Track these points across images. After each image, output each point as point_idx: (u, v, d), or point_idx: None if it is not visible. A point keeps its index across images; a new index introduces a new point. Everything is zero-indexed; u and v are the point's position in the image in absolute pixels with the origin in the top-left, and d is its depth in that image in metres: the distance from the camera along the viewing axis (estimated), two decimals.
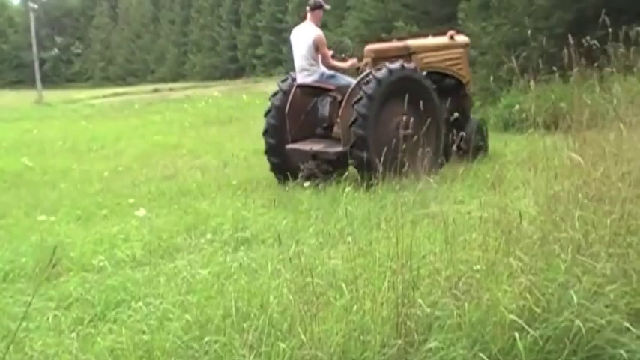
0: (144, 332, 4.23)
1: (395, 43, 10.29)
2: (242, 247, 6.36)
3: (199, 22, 60.46)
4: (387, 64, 9.07)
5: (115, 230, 7.34)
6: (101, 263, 6.03)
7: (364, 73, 9.25)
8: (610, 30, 6.09)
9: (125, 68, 69.14)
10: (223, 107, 25.77)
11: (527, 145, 5.59)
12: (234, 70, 54.92)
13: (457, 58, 10.36)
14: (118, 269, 5.95)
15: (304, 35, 9.56)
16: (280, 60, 49.84)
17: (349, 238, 4.73)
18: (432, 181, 5.32)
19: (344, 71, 9.70)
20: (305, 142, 9.74)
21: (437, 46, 10.30)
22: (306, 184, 8.81)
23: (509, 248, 4.23)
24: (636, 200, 4.45)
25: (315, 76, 9.45)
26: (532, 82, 5.25)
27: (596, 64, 6.24)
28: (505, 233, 4.33)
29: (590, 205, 4.47)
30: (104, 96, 44.01)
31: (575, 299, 3.72)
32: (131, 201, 9.25)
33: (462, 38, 10.71)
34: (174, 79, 58.43)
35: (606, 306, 3.80)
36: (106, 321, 4.77)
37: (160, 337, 4.06)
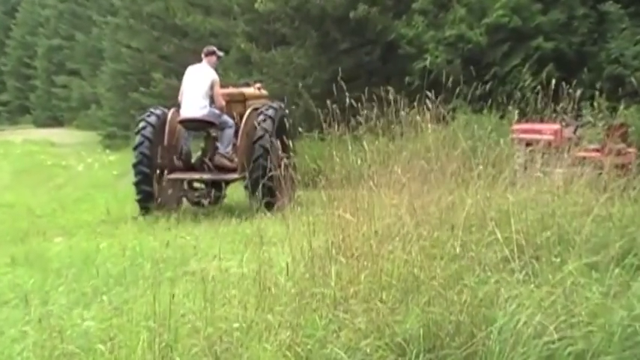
0: None
1: (234, 90, 11.79)
2: None
3: None
4: (269, 103, 11.02)
5: None
6: None
7: (254, 106, 10.96)
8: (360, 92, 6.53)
9: None
10: None
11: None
12: None
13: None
14: None
15: (203, 74, 10.77)
16: (27, 107, 47.68)
17: (104, 297, 4.58)
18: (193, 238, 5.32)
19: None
20: (185, 172, 10.78)
21: (256, 96, 11.75)
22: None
23: (269, 305, 4.32)
24: (387, 256, 4.72)
25: (206, 111, 10.54)
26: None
27: (350, 124, 6.62)
28: (264, 290, 4.42)
29: (346, 261, 4.68)
30: None
31: (334, 354, 3.86)
32: None
33: (264, 91, 12.21)
34: None
35: None
36: None
37: None
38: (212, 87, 10.70)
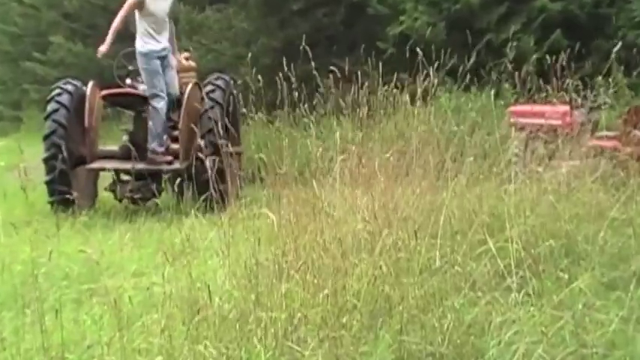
0: None
1: None
2: None
3: None
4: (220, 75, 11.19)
5: None
6: None
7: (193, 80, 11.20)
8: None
9: None
10: None
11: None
12: None
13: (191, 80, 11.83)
14: None
15: None
16: None
17: None
18: None
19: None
20: (106, 161, 10.86)
21: (187, 68, 11.91)
22: None
23: (201, 333, 4.30)
24: (352, 271, 4.73)
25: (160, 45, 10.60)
26: None
27: (306, 104, 6.63)
28: (196, 314, 4.40)
29: (300, 278, 4.68)
30: None
31: None
32: None
33: (192, 62, 12.36)
34: None
35: None
36: None
37: None
38: None
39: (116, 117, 15.57)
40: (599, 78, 9.47)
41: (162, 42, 10.63)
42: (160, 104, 10.54)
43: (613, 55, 7.40)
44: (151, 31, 10.55)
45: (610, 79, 9.59)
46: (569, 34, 13.21)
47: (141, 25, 10.55)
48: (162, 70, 10.63)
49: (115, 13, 10.76)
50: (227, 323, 4.42)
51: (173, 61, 10.99)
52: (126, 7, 10.57)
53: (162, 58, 10.64)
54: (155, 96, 10.55)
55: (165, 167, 10.52)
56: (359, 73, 6.66)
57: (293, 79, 6.38)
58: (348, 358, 4.16)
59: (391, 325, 4.29)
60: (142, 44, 10.52)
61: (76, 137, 10.73)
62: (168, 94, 10.65)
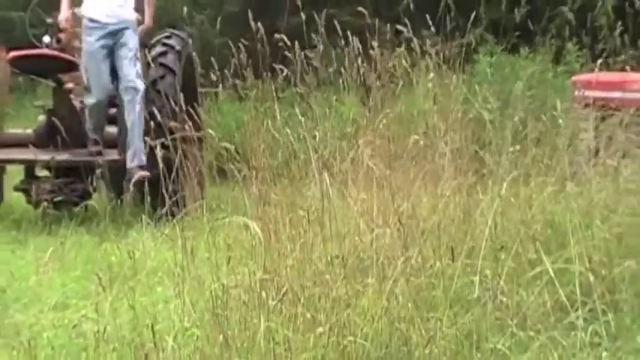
0: None
1: None
2: None
3: None
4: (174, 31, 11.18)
5: None
6: None
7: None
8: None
9: None
10: None
11: None
12: None
13: None
14: None
15: None
16: None
17: None
18: None
19: None
20: (15, 150, 10.81)
21: None
22: None
23: None
24: (356, 302, 4.74)
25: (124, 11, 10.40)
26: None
27: (290, 71, 6.64)
28: None
29: (285, 312, 4.66)
30: None
31: None
32: None
33: None
34: None
35: None
36: None
37: None
38: None
39: (30, 89, 15.53)
40: None
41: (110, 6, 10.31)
42: (89, 100, 10.41)
43: None
44: None
45: None
46: None
47: None
48: (110, 55, 10.28)
49: None
50: None
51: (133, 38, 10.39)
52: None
53: (112, 35, 10.25)
54: (87, 90, 10.42)
55: (98, 159, 10.42)
56: (365, 28, 6.63)
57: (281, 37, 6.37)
58: None
59: None
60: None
61: None
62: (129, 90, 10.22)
